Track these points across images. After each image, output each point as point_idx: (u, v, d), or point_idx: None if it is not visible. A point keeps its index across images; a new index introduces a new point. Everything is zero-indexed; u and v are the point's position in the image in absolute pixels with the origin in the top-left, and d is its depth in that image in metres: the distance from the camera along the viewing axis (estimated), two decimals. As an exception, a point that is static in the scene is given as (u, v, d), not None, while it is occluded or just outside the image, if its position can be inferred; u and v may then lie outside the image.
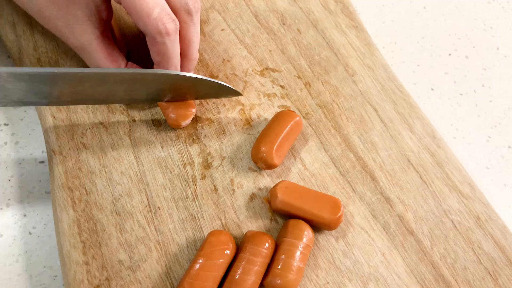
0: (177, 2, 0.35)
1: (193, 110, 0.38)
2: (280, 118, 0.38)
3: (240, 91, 0.40)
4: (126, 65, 0.39)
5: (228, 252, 0.33)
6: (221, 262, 0.32)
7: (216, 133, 0.40)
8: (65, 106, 0.40)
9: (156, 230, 0.35)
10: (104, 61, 0.37)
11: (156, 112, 0.40)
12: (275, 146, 0.37)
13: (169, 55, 0.35)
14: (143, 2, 0.33)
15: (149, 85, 0.36)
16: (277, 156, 0.37)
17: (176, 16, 0.36)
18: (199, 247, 0.33)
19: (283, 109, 0.41)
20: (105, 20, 0.37)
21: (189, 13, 0.36)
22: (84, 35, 0.36)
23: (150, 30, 0.34)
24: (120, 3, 0.34)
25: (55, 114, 0.39)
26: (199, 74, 0.42)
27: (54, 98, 0.34)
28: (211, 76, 0.42)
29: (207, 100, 0.41)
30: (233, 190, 0.37)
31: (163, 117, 0.40)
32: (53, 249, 0.37)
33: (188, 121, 0.38)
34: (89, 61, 0.38)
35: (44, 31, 0.43)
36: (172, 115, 0.38)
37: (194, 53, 0.38)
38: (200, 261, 0.32)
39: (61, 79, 0.32)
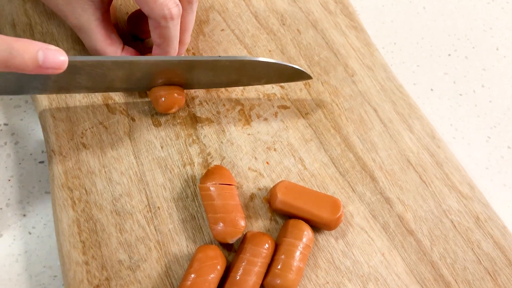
0: None
1: (242, 224, 0.34)
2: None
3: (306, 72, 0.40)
4: (123, 48, 0.40)
5: (219, 267, 0.32)
6: (212, 278, 0.32)
7: (216, 133, 0.40)
8: (65, 106, 0.40)
9: (156, 230, 0.35)
10: (102, 43, 0.38)
11: (156, 112, 0.40)
12: None
13: (171, 38, 0.37)
14: None
15: (200, 71, 0.38)
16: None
17: None
18: (189, 264, 0.33)
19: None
20: (106, 2, 0.38)
21: (189, 1, 0.38)
22: (84, 15, 0.37)
23: (155, 13, 0.35)
24: None
25: (55, 114, 0.39)
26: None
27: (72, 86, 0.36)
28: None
29: (211, 100, 0.41)
30: (233, 190, 0.37)
31: (163, 117, 0.40)
32: (52, 249, 0.37)
33: (235, 239, 0.34)
34: (87, 42, 0.39)
35: (43, 31, 0.43)
36: (219, 229, 0.34)
37: (187, 38, 0.41)
38: (191, 277, 0.31)
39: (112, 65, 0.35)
